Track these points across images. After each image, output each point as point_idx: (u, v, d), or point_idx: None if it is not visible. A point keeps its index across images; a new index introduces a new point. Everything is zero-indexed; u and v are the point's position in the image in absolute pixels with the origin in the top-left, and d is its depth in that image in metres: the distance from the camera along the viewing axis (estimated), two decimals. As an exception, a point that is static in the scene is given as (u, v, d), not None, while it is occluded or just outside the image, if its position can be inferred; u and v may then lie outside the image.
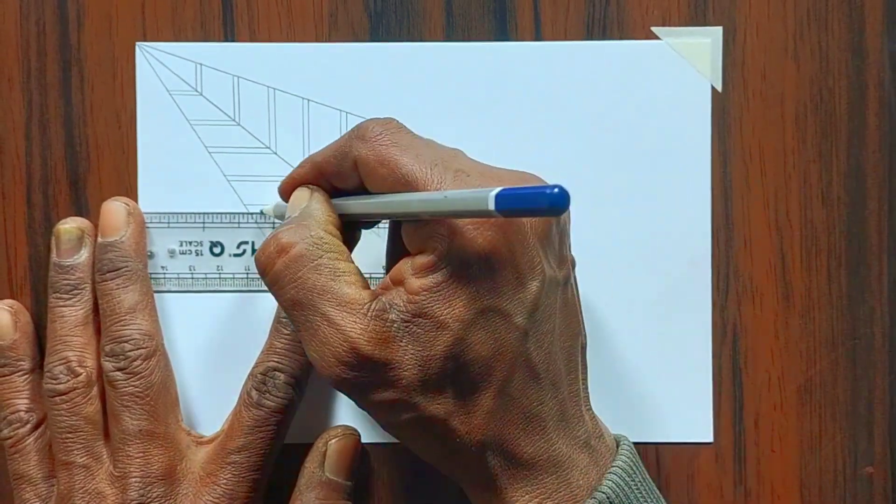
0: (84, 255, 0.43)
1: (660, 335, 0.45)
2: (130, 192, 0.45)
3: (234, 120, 0.45)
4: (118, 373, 0.42)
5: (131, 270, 0.43)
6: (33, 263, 0.45)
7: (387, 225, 0.42)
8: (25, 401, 0.43)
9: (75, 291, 0.43)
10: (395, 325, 0.34)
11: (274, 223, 0.44)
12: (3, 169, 0.45)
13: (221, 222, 0.45)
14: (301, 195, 0.39)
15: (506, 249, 0.34)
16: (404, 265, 0.35)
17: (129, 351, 0.42)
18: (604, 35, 0.45)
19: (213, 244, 0.45)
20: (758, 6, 0.45)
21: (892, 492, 0.45)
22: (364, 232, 0.41)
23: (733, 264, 0.45)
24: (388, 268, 0.40)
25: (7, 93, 0.45)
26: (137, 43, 0.45)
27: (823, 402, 0.45)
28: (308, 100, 0.45)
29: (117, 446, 0.42)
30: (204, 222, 0.45)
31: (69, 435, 0.42)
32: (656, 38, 0.45)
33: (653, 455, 0.45)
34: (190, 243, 0.45)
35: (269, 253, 0.36)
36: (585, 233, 0.44)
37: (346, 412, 0.45)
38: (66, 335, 0.43)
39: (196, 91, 0.45)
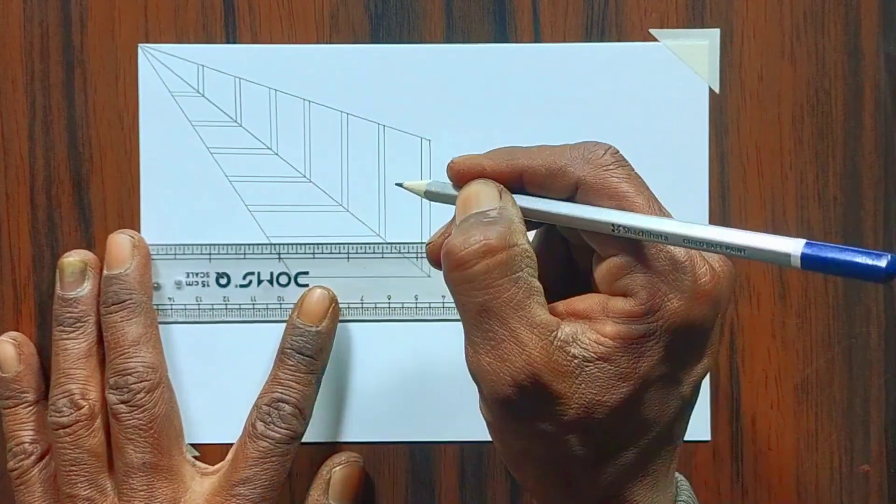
0: (87, 288, 0.44)
1: (658, 334, 0.45)
2: (132, 193, 0.45)
3: (235, 121, 0.45)
4: (122, 405, 0.42)
5: (135, 303, 0.43)
6: (37, 264, 0.45)
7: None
8: (30, 432, 0.44)
9: (78, 324, 0.43)
10: (576, 362, 0.33)
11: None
12: (7, 170, 0.45)
13: (227, 254, 0.45)
14: (490, 192, 0.36)
15: (707, 326, 0.34)
16: (597, 302, 0.34)
17: (133, 383, 0.42)
18: (602, 37, 0.45)
19: (220, 275, 0.45)
20: (755, 8, 0.45)
21: (888, 489, 0.45)
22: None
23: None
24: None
25: (11, 94, 0.45)
26: (140, 45, 0.45)
27: (820, 401, 0.45)
28: (309, 101, 0.45)
29: (121, 479, 0.42)
30: (210, 254, 0.45)
31: (73, 468, 0.42)
32: (654, 39, 0.45)
33: (651, 453, 0.45)
34: (196, 274, 0.45)
35: (474, 250, 0.33)
36: (584, 233, 0.45)
37: (349, 431, 0.45)
38: (70, 368, 0.43)
39: (198, 92, 0.45)
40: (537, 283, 0.34)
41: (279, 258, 0.45)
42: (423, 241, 0.45)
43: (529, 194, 0.36)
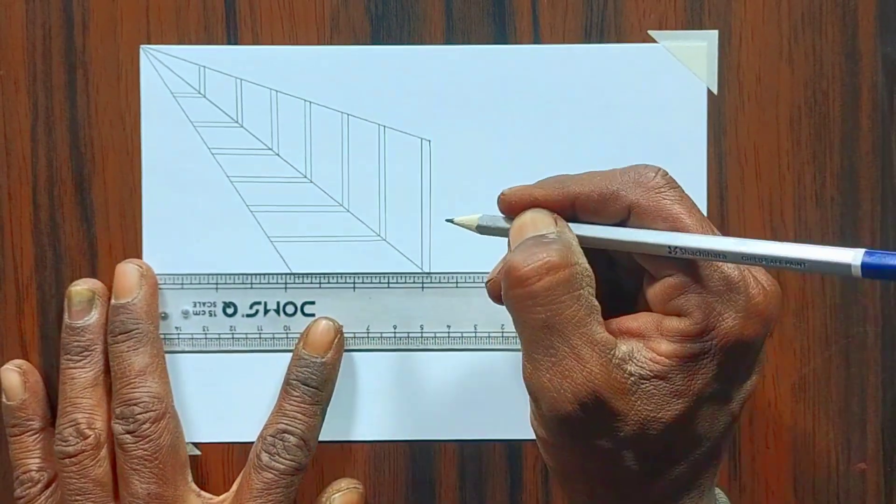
0: (94, 317, 0.44)
1: (656, 334, 0.45)
2: (134, 193, 0.45)
3: (236, 122, 0.45)
4: (128, 436, 0.42)
5: (142, 332, 0.43)
6: (39, 264, 0.45)
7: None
8: (36, 460, 0.44)
9: (85, 353, 0.44)
10: (633, 379, 0.34)
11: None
12: (10, 170, 0.45)
13: (234, 283, 0.45)
14: (545, 219, 0.36)
15: (759, 343, 0.34)
16: (651, 321, 0.35)
17: (139, 414, 0.42)
18: (601, 38, 0.45)
19: (227, 304, 0.45)
20: (753, 10, 0.45)
21: (884, 488, 0.46)
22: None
23: (729, 264, 0.45)
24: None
25: (13, 95, 0.45)
26: (142, 46, 0.45)
27: (817, 400, 0.46)
28: (310, 102, 0.45)
29: None
30: (217, 283, 0.45)
31: (78, 497, 0.42)
32: (653, 41, 0.45)
33: (649, 452, 0.45)
34: (203, 304, 0.45)
35: (537, 267, 0.34)
36: (583, 233, 0.45)
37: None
38: (76, 397, 0.43)
39: (199, 93, 0.45)
40: (596, 302, 0.35)
41: (286, 288, 0.45)
42: (424, 240, 0.45)
43: (582, 222, 0.37)
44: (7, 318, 0.45)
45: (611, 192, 0.36)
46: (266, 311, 0.45)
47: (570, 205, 0.37)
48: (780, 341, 0.45)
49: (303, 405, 0.43)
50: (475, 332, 0.45)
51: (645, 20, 0.45)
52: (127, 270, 0.44)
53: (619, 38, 0.45)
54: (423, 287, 0.45)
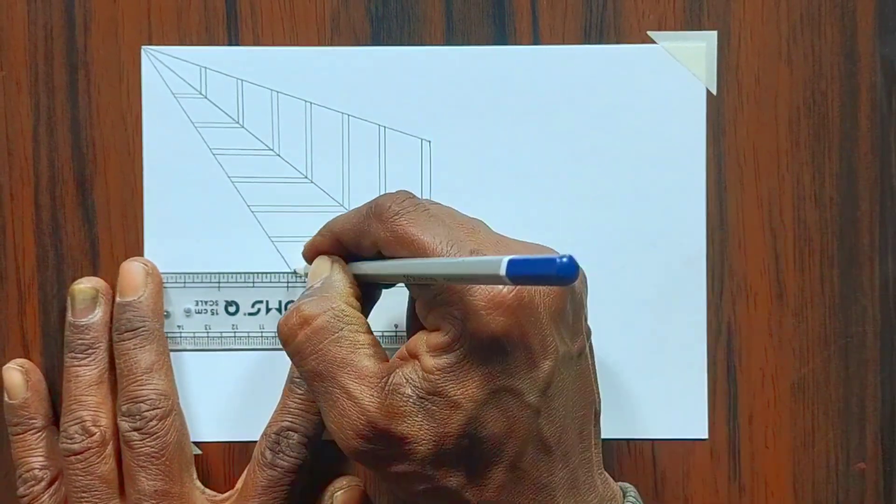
0: (98, 315, 0.44)
1: (656, 333, 0.45)
2: (136, 193, 0.45)
3: (237, 122, 0.46)
4: (134, 433, 0.42)
5: (148, 330, 0.44)
6: (41, 263, 0.46)
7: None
8: (40, 458, 0.44)
9: (90, 351, 0.44)
10: (411, 401, 0.35)
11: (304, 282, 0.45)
12: (12, 171, 0.45)
13: (237, 282, 0.45)
14: (322, 266, 0.40)
15: (518, 332, 0.34)
16: (420, 340, 0.36)
17: (146, 411, 0.42)
18: (601, 39, 0.45)
19: (229, 303, 0.45)
20: (752, 11, 0.45)
21: (883, 487, 0.46)
22: (384, 291, 0.42)
23: (728, 264, 0.46)
24: (408, 330, 0.41)
25: (15, 96, 0.45)
26: (143, 47, 0.45)
27: (816, 400, 0.46)
28: (310, 102, 0.45)
29: None
30: (219, 282, 0.45)
31: (84, 494, 0.42)
32: (652, 42, 0.45)
33: (648, 451, 0.45)
34: (206, 303, 0.45)
35: (292, 325, 0.37)
36: (584, 233, 0.45)
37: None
38: (81, 395, 0.43)
39: (200, 94, 0.45)
40: (363, 337, 0.36)
41: (287, 287, 0.45)
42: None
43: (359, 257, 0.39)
44: (9, 318, 0.46)
45: (360, 230, 0.38)
46: (268, 310, 0.45)
47: (339, 246, 0.40)
48: (780, 341, 0.46)
49: (306, 403, 0.43)
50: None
51: (644, 21, 0.45)
52: (132, 268, 0.44)
53: (619, 39, 0.45)
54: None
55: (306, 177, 0.45)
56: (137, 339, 0.43)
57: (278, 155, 0.46)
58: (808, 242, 0.46)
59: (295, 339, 0.37)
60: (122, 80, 0.45)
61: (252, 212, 0.45)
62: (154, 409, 0.43)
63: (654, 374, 0.45)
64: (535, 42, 0.45)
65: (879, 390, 0.46)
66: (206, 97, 0.45)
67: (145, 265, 0.45)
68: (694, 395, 0.45)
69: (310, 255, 0.41)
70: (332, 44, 0.45)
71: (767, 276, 0.46)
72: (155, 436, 0.42)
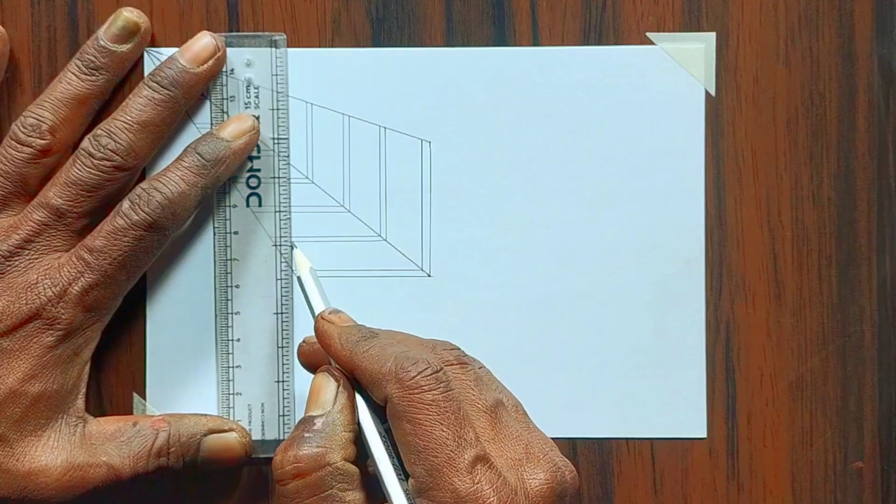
0: (126, 48, 0.43)
1: (654, 332, 0.45)
2: (138, 193, 0.46)
3: (239, 123, 0.46)
4: (89, 158, 0.42)
5: (174, 99, 0.43)
6: (44, 263, 0.46)
7: None
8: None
9: (97, 73, 0.43)
10: None
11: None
12: (15, 171, 0.46)
13: None
14: (326, 392, 0.39)
15: None
16: None
17: (109, 148, 0.42)
18: (600, 40, 0.46)
19: None
20: (750, 12, 0.46)
21: (881, 486, 0.46)
22: None
23: (726, 264, 0.46)
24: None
25: (18, 98, 0.45)
26: (145, 49, 0.45)
27: (814, 399, 0.46)
28: (311, 104, 0.46)
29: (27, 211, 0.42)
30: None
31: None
32: (651, 43, 0.46)
33: (647, 450, 0.46)
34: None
35: (286, 471, 0.37)
36: (583, 233, 0.45)
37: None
38: (58, 100, 0.43)
39: (201, 94, 0.46)
40: (351, 496, 0.37)
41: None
42: (424, 240, 0.45)
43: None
44: None
45: (377, 378, 0.37)
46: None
47: (351, 372, 0.38)
48: (778, 341, 0.46)
49: (187, 172, 0.42)
50: (475, 332, 0.46)
51: (643, 22, 0.45)
52: (202, 41, 0.44)
53: (618, 41, 0.46)
54: (423, 287, 0.46)
55: (307, 177, 0.46)
56: (159, 97, 0.43)
57: (278, 155, 0.46)
58: (806, 242, 0.46)
59: (286, 485, 0.37)
60: (125, 82, 0.45)
61: (252, 212, 0.46)
62: (116, 154, 0.42)
63: (652, 373, 0.45)
64: (535, 43, 0.46)
65: (877, 389, 0.46)
66: (207, 98, 0.46)
67: (215, 40, 0.44)
68: (692, 395, 0.46)
69: (311, 362, 0.41)
70: (332, 45, 0.46)
71: (766, 275, 0.46)
72: (103, 173, 0.42)
